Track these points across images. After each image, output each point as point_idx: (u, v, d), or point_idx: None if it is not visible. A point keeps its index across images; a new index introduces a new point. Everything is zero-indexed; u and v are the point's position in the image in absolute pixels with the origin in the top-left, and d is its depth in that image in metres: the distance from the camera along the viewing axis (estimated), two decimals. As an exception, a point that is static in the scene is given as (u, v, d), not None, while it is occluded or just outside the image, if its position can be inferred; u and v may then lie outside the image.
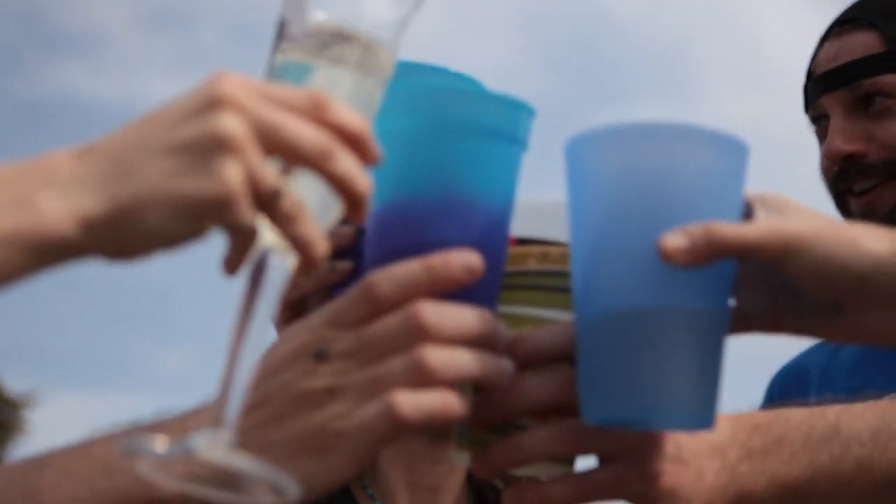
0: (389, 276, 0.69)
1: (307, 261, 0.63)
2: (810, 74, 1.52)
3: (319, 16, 0.69)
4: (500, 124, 0.76)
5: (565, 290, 0.79)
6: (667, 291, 0.69)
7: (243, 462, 0.61)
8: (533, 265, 0.80)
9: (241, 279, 0.65)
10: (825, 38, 1.51)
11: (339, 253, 1.01)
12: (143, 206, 0.58)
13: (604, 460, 0.76)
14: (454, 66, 0.93)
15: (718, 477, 0.78)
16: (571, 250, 0.74)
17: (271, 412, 0.69)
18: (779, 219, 0.72)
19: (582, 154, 0.73)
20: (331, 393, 0.68)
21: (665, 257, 0.68)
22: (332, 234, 0.99)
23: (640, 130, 0.71)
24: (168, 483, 0.62)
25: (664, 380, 0.69)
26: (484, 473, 0.77)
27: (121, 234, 0.59)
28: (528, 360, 0.75)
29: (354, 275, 1.01)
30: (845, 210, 1.47)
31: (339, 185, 0.63)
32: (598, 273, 0.71)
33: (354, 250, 1.00)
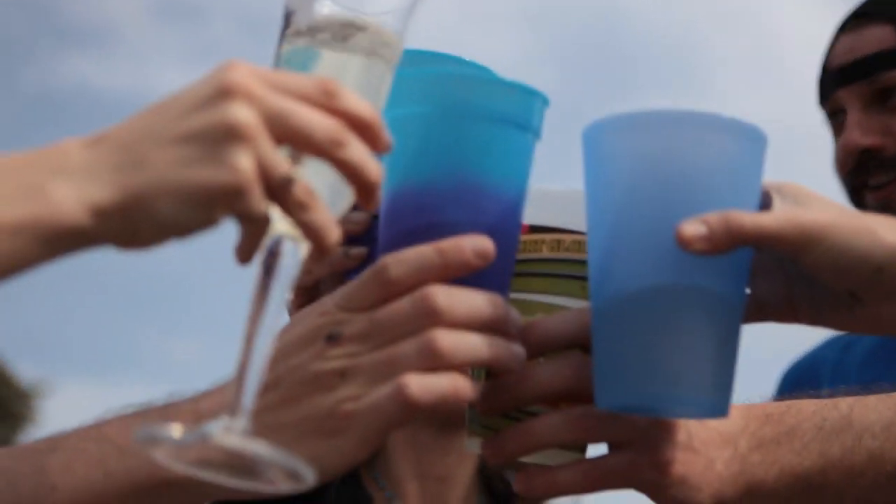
0: (402, 260, 0.69)
1: (319, 248, 0.63)
2: (825, 68, 1.51)
3: (326, 3, 0.69)
4: (513, 111, 0.76)
5: (578, 278, 0.79)
6: (684, 276, 0.69)
7: (260, 448, 0.61)
8: (546, 252, 0.80)
9: (253, 268, 0.65)
10: (840, 32, 1.50)
11: (353, 239, 1.01)
12: (154, 195, 0.58)
13: (614, 447, 0.76)
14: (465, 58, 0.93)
15: (729, 466, 0.78)
16: (588, 235, 0.74)
17: (283, 394, 0.69)
18: (796, 209, 0.72)
19: (600, 140, 0.73)
20: (342, 375, 0.68)
21: (683, 245, 0.68)
22: (347, 221, 0.99)
23: (660, 117, 0.71)
24: (184, 469, 0.62)
25: (680, 365, 0.69)
26: (495, 460, 0.77)
27: (132, 223, 0.59)
28: (540, 347, 0.75)
29: (368, 260, 1.01)
30: (860, 205, 1.46)
31: (350, 173, 0.63)
32: (614, 257, 0.71)
33: (368, 236, 1.01)
